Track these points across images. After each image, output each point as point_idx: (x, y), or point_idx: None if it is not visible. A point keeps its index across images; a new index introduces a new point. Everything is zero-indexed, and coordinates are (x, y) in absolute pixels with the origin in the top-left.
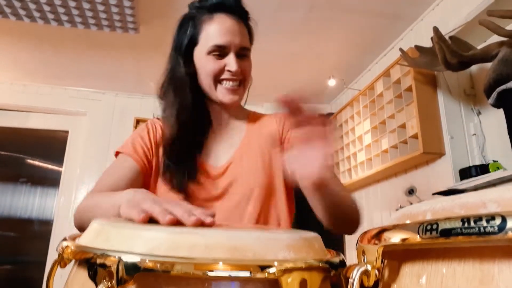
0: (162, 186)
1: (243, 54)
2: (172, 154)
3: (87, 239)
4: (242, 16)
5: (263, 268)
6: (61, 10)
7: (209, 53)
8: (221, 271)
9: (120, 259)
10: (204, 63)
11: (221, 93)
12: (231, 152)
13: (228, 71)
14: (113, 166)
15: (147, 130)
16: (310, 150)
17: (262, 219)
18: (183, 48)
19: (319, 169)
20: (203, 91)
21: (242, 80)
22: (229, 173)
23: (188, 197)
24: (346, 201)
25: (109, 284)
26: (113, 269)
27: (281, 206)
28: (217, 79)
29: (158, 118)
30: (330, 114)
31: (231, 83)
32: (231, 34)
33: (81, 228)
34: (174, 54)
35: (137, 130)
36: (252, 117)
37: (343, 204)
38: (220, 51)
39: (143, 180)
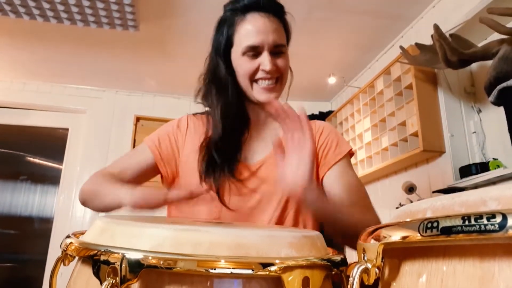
0: (186, 178)
1: (278, 51)
2: (217, 152)
3: (92, 236)
4: (276, 12)
5: (264, 265)
6: (60, 7)
7: (243, 53)
8: (223, 268)
9: (123, 256)
10: (240, 64)
11: (257, 92)
12: (265, 152)
13: (263, 70)
14: (133, 151)
15: (177, 126)
16: (291, 159)
17: (287, 222)
18: (221, 50)
19: (297, 180)
20: (242, 91)
21: (279, 77)
22: (261, 173)
23: (220, 192)
24: (347, 220)
25: (114, 281)
26: (117, 265)
27: (307, 215)
28: (252, 79)
29: (194, 115)
30: (329, 112)
31: (266, 82)
32: (263, 33)
33: (85, 205)
34: (214, 56)
35: (167, 125)
36: None
37: (341, 224)
38: (253, 51)
39: (153, 173)
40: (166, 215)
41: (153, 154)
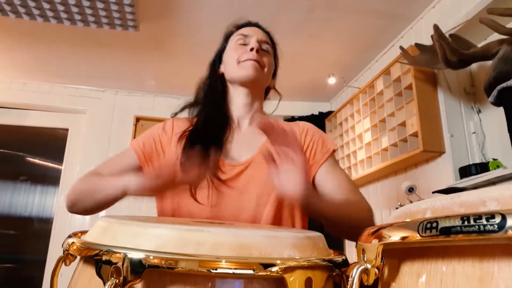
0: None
1: (264, 48)
2: (193, 149)
3: (94, 236)
4: (266, 32)
5: (266, 266)
6: (60, 7)
7: (236, 42)
8: (225, 268)
9: (125, 256)
10: (230, 52)
11: (243, 68)
12: (251, 153)
13: (250, 50)
14: (117, 155)
15: (162, 129)
16: (285, 169)
17: (276, 223)
18: (218, 55)
19: (295, 188)
20: (227, 93)
21: (263, 66)
22: (247, 173)
23: (195, 189)
24: (344, 213)
25: (118, 281)
26: (120, 265)
27: (296, 212)
28: (239, 60)
29: (179, 118)
30: (329, 113)
31: (252, 62)
32: (255, 31)
33: (74, 207)
34: (212, 65)
35: (153, 127)
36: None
37: (340, 218)
38: (243, 39)
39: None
40: (156, 208)
41: (137, 155)
